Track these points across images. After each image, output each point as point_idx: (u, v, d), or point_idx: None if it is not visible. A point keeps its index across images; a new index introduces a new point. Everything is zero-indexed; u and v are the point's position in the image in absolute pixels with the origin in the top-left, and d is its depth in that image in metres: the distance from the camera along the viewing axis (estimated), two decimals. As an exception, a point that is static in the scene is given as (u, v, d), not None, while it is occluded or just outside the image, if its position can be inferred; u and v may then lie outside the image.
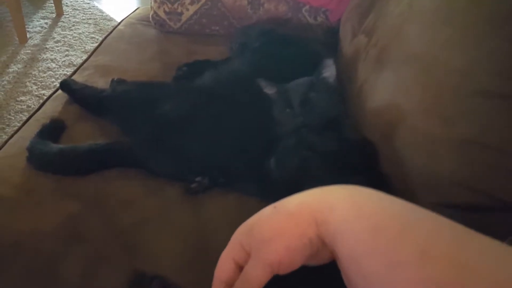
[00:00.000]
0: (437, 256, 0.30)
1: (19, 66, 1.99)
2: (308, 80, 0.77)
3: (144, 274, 0.61)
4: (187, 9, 1.18)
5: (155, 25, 1.22)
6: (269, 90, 0.79)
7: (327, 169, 0.65)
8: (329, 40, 1.05)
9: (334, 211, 0.35)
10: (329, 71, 0.78)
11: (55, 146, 0.78)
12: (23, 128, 0.89)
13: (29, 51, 2.10)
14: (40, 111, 0.93)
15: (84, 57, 1.13)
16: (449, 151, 0.58)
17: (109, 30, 1.26)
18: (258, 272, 0.36)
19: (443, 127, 0.59)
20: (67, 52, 2.10)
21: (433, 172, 0.60)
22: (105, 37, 1.21)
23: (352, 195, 0.36)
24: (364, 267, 0.32)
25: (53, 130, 0.84)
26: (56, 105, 0.93)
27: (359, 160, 0.66)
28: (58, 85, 0.97)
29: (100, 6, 2.51)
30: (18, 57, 2.05)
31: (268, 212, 0.39)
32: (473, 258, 0.29)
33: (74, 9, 2.46)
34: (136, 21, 1.28)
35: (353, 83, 0.82)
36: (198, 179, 0.74)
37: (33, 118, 0.91)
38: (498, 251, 0.30)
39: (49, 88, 1.81)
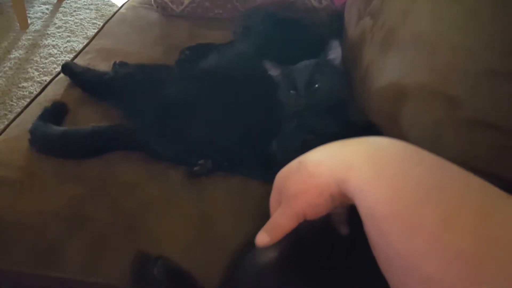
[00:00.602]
0: (459, 225, 0.29)
1: (21, 52, 1.98)
2: (313, 62, 0.76)
3: (147, 256, 0.61)
4: (190, -8, 1.17)
5: (157, 8, 1.21)
6: (274, 71, 0.78)
7: None
8: (334, 23, 1.04)
9: (352, 170, 0.35)
10: (335, 53, 0.77)
11: (57, 129, 0.77)
12: (25, 111, 0.89)
13: (31, 37, 2.09)
14: (42, 94, 0.93)
15: (86, 43, 1.12)
16: (454, 132, 0.57)
17: (111, 15, 1.25)
18: (285, 221, 0.41)
19: (449, 108, 0.58)
20: (68, 38, 2.09)
21: (438, 154, 0.59)
22: (107, 21, 1.20)
23: (372, 155, 0.36)
24: (383, 228, 0.32)
25: (55, 113, 0.83)
26: (58, 88, 0.92)
27: None
28: (59, 70, 0.97)
29: (101, -8, 2.49)
30: (20, 43, 2.04)
31: (294, 168, 0.41)
32: (497, 229, 0.28)
33: (75, -6, 2.45)
34: (138, 4, 1.26)
35: (358, 66, 0.81)
36: (201, 162, 0.74)
37: (35, 101, 0.91)
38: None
39: (51, 74, 1.80)
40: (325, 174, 0.38)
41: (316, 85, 0.73)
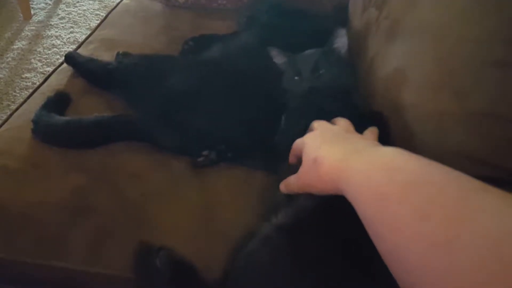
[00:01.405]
0: (435, 216, 0.32)
1: (24, 42, 1.98)
2: (319, 50, 0.76)
3: (150, 246, 0.61)
4: (193, -17, 1.16)
5: (161, -2, 1.20)
6: (279, 59, 0.78)
7: None
8: (339, 14, 1.03)
9: (350, 183, 0.43)
10: (340, 41, 0.76)
11: (60, 118, 0.77)
12: (28, 101, 0.88)
13: (34, 27, 2.08)
14: (45, 84, 0.93)
15: (89, 33, 1.12)
16: (458, 123, 0.57)
17: (114, 6, 1.24)
18: (295, 189, 0.55)
19: (454, 99, 0.57)
20: (71, 29, 2.08)
21: (442, 145, 0.59)
22: (110, 11, 1.20)
23: (367, 168, 0.42)
24: (373, 229, 0.38)
25: (58, 103, 0.83)
26: (61, 78, 0.92)
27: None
28: (62, 60, 0.96)
29: (104, -17, 2.47)
30: (23, 34, 2.04)
31: (310, 164, 0.51)
32: (471, 218, 0.31)
33: (79, -15, 2.44)
34: (142, -5, 1.26)
35: (363, 57, 0.81)
36: (204, 153, 0.73)
37: (38, 91, 0.91)
38: (500, 205, 0.31)
39: (54, 65, 1.78)
40: (331, 181, 0.46)
41: (321, 71, 0.72)
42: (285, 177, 0.58)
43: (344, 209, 0.45)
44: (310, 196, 0.52)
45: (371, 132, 0.61)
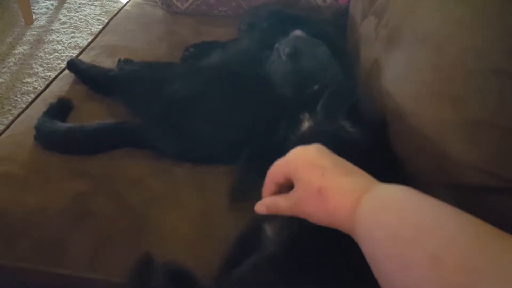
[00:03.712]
0: (448, 262, 0.31)
1: (25, 47, 1.99)
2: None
3: (148, 259, 0.60)
4: (195, -10, 1.17)
5: (162, 5, 1.21)
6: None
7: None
8: (338, 22, 1.04)
9: (361, 224, 0.40)
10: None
11: (62, 125, 0.78)
12: (30, 107, 0.89)
13: (35, 32, 2.09)
14: (47, 90, 0.93)
15: (90, 39, 1.13)
16: (458, 132, 0.57)
17: (115, 12, 1.25)
18: (286, 211, 0.47)
19: (454, 108, 0.58)
20: (73, 34, 2.09)
21: (442, 153, 0.59)
22: (112, 17, 1.20)
23: (379, 207, 0.40)
24: (382, 268, 0.37)
25: (60, 109, 0.84)
26: (63, 84, 0.93)
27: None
28: (64, 67, 0.97)
29: (106, -12, 2.49)
30: (24, 39, 2.05)
31: (312, 194, 0.44)
32: (486, 261, 0.30)
33: (80, -10, 2.46)
34: (143, 1, 1.27)
35: (363, 65, 0.81)
36: None
37: (40, 97, 0.91)
38: None
39: (55, 70, 1.81)
40: (338, 221, 0.42)
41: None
42: None
43: (338, 242, 0.45)
44: (300, 223, 0.48)
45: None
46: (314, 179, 0.45)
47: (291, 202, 0.47)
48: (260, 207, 0.50)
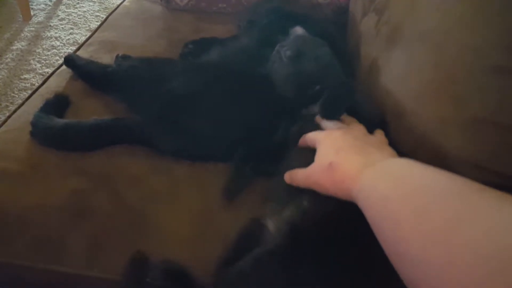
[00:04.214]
0: (434, 214, 0.35)
1: (23, 43, 1.98)
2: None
3: (143, 257, 0.60)
4: (194, -14, 1.16)
5: (161, 1, 1.20)
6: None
7: None
8: (338, 19, 1.03)
9: (361, 192, 0.46)
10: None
11: (59, 121, 0.77)
12: (27, 103, 0.88)
13: (33, 28, 2.08)
14: (44, 86, 0.92)
15: (89, 35, 1.12)
16: (458, 129, 0.56)
17: (114, 8, 1.24)
18: (301, 184, 0.57)
19: (454, 106, 0.57)
20: (71, 30, 2.08)
21: (442, 151, 0.59)
22: (111, 13, 1.19)
23: (376, 177, 0.46)
24: (377, 227, 0.42)
25: (57, 105, 0.83)
26: (60, 80, 0.92)
27: None
28: (62, 62, 0.96)
29: (104, -16, 2.48)
30: (22, 35, 2.04)
31: (324, 166, 0.53)
32: (469, 213, 0.33)
33: (79, -14, 2.44)
34: (142, -3, 1.26)
35: (363, 62, 0.81)
36: None
37: (37, 93, 0.90)
38: (497, 204, 0.33)
39: (53, 66, 1.80)
40: (344, 189, 0.49)
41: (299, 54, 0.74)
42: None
43: (339, 237, 0.46)
44: (303, 216, 0.54)
45: (380, 133, 0.63)
46: (329, 155, 0.54)
47: (306, 173, 0.55)
48: (286, 176, 0.59)
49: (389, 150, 0.57)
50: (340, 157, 0.52)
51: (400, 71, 0.68)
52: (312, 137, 0.60)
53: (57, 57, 1.90)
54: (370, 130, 0.63)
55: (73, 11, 2.23)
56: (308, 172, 0.55)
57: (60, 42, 1.99)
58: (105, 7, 2.27)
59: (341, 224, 0.51)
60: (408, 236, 0.36)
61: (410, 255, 0.36)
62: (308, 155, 0.59)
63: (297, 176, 0.57)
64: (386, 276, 0.46)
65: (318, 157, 0.56)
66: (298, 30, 0.80)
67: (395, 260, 0.38)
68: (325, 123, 0.64)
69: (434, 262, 0.32)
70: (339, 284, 0.49)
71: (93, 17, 2.19)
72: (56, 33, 2.06)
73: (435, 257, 0.33)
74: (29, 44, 1.98)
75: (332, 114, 0.65)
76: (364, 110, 0.70)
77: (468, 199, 0.35)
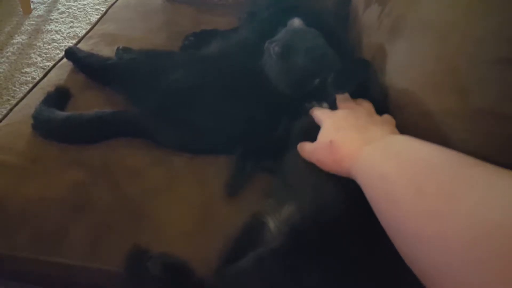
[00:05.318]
0: (430, 190, 0.35)
1: (24, 37, 1.97)
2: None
3: (143, 250, 0.60)
4: (195, -22, 1.15)
5: (162, -7, 1.19)
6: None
7: None
8: (341, 11, 1.02)
9: (360, 170, 0.48)
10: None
11: (60, 114, 0.77)
12: (28, 96, 0.88)
13: (34, 22, 2.07)
14: (45, 79, 0.92)
15: (89, 28, 1.11)
16: (461, 121, 0.56)
17: (114, 0, 1.23)
18: (307, 158, 0.58)
19: (457, 97, 0.57)
20: (71, 24, 2.07)
21: (445, 143, 0.58)
22: (111, 6, 1.19)
23: (370, 154, 0.47)
24: (376, 205, 0.42)
25: (58, 98, 0.83)
26: (61, 73, 0.91)
27: None
28: (62, 55, 0.96)
29: (105, -23, 2.46)
30: (23, 28, 2.03)
31: (326, 144, 0.54)
32: (463, 187, 0.33)
33: (79, -21, 2.43)
34: (142, -10, 1.25)
35: (365, 53, 0.80)
36: None
37: (38, 86, 0.90)
38: (491, 178, 0.33)
39: (54, 60, 1.79)
40: (345, 167, 0.50)
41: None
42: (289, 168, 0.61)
43: (341, 236, 0.46)
44: (306, 214, 0.54)
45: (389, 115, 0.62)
46: (330, 133, 0.55)
47: (311, 148, 0.57)
48: (299, 147, 0.60)
49: (391, 127, 0.57)
50: (340, 136, 0.53)
51: (402, 62, 0.67)
52: (318, 115, 0.61)
53: (58, 51, 1.89)
54: (380, 111, 0.62)
55: (73, 4, 2.22)
56: (313, 147, 0.57)
57: (61, 36, 1.99)
58: (105, 0, 2.26)
59: (341, 224, 0.51)
60: (404, 214, 0.37)
61: (406, 231, 0.36)
62: None
63: (305, 150, 0.58)
64: (388, 274, 0.46)
65: (320, 135, 0.57)
66: (296, 22, 0.79)
67: (393, 236, 0.39)
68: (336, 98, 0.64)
69: (429, 236, 0.33)
70: (340, 284, 0.48)
71: (93, 10, 2.18)
72: (56, 26, 2.05)
73: (430, 232, 0.33)
74: (30, 37, 1.97)
75: (343, 86, 0.63)
76: (377, 86, 0.69)
77: (463, 173, 0.35)
